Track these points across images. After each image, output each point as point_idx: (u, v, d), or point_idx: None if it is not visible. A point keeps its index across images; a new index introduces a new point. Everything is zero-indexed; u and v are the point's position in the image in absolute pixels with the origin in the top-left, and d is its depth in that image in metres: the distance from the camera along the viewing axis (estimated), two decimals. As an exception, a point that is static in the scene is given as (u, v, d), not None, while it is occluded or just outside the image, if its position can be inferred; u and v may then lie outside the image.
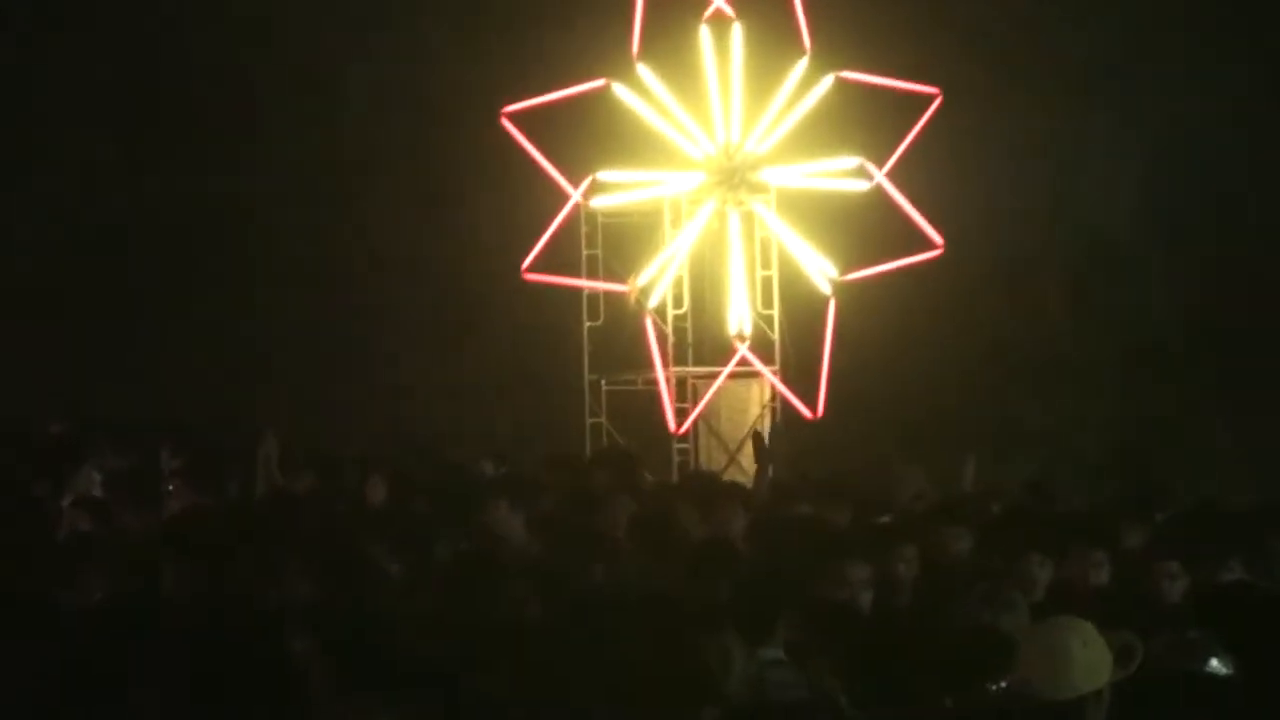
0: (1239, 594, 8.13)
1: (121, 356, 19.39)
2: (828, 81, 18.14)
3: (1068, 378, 20.84)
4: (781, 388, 18.30)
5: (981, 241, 19.75)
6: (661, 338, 18.05)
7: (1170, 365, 20.62)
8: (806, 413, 18.12)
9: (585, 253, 18.25)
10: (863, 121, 18.32)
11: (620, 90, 18.04)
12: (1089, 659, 5.81)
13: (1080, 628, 5.99)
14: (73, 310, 19.83)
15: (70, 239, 20.03)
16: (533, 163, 18.03)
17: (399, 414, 19.19)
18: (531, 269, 18.04)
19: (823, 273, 18.12)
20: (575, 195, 17.95)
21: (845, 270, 18.20)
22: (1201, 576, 9.28)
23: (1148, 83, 20.47)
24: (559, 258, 18.32)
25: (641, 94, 18.13)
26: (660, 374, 17.98)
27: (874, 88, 18.27)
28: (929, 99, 18.19)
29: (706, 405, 18.23)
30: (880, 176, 18.08)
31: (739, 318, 18.11)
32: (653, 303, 17.95)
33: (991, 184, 19.52)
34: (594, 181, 17.95)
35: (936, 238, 18.26)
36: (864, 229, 18.33)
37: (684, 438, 18.22)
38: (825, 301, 18.07)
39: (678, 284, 18.24)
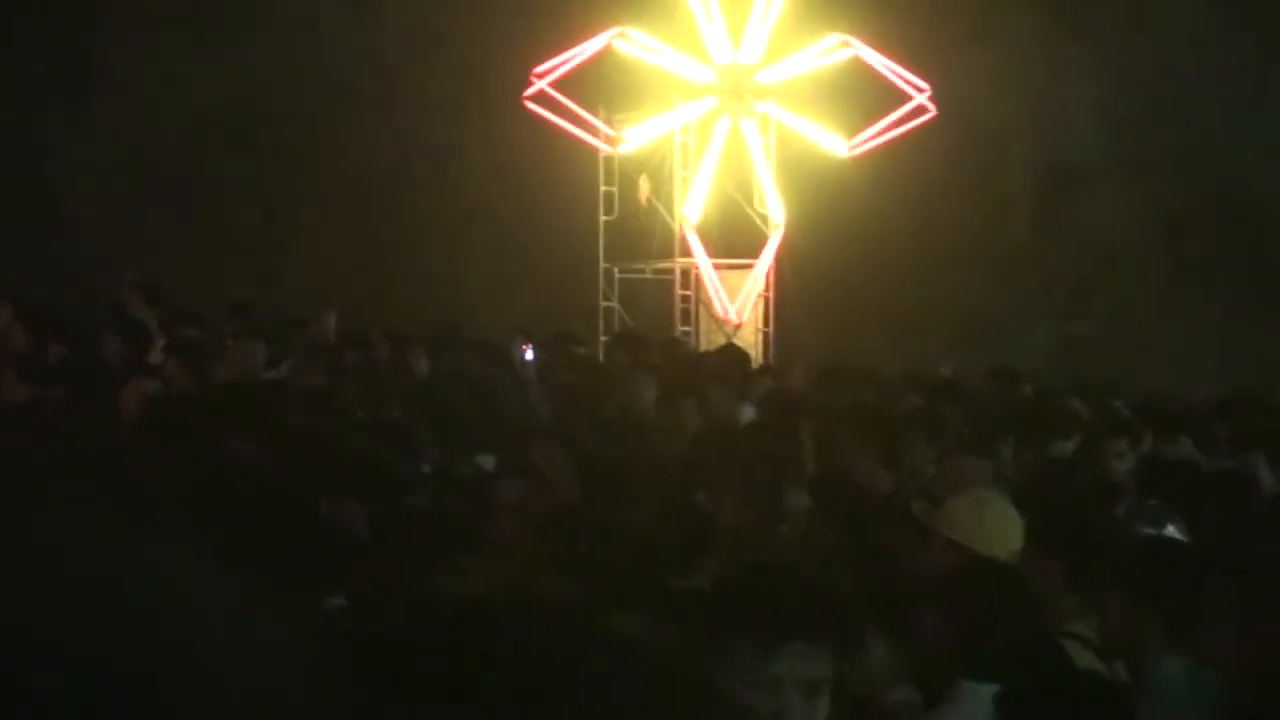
0: (1186, 469, 9.10)
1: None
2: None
3: (1027, 279, 22.07)
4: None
5: (953, 153, 21.01)
6: (672, 231, 19.45)
7: (1123, 267, 21.81)
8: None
9: (601, 154, 19.61)
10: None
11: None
12: (1002, 526, 6.29)
13: (991, 499, 6.58)
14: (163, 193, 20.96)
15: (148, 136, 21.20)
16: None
17: (424, 295, 20.25)
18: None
19: (834, 146, 19.36)
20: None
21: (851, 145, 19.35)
22: (1152, 454, 10.20)
23: (1117, 16, 21.78)
24: (575, 169, 19.60)
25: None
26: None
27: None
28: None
29: (706, 293, 19.60)
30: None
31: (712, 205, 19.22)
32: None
33: (968, 103, 20.57)
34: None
35: (930, 106, 19.30)
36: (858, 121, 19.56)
37: (686, 322, 19.66)
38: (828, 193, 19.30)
39: (685, 184, 19.50)
